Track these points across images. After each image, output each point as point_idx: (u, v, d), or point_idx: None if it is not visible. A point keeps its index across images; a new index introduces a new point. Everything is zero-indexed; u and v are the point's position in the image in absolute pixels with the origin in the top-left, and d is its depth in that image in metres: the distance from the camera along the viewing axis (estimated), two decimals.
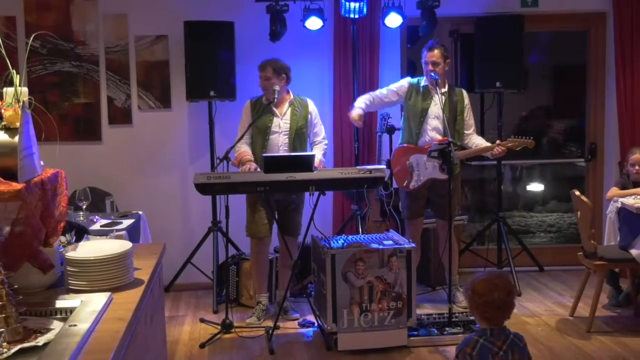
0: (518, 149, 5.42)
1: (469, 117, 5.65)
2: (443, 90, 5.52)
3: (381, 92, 5.71)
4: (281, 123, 5.39)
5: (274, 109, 5.40)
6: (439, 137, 5.47)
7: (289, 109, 5.43)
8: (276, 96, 5.27)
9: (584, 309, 5.48)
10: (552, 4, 6.65)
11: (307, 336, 5.22)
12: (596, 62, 6.91)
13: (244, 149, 5.36)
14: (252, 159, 5.31)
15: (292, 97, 5.47)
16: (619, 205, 5.34)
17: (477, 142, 5.57)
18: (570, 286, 6.28)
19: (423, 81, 5.61)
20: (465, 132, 5.62)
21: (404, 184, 5.63)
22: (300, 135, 5.44)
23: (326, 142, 5.62)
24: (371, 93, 5.72)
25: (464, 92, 5.70)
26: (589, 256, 5.27)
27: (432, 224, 5.99)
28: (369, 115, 6.35)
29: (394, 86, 5.70)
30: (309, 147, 5.55)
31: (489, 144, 5.50)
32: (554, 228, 7.93)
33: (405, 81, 5.69)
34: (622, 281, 5.80)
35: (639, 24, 6.49)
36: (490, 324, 2.94)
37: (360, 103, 5.65)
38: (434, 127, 5.54)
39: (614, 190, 5.56)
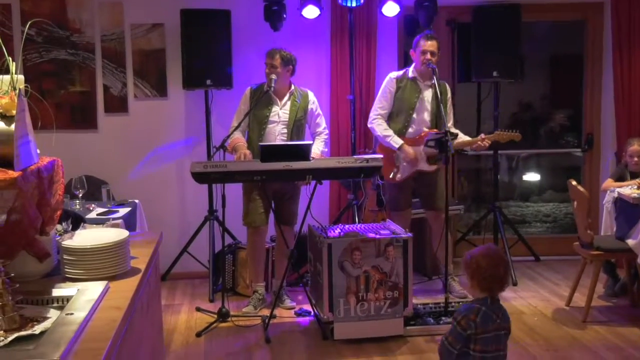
0: (504, 142, 5.43)
1: (450, 110, 5.65)
2: (430, 82, 5.50)
3: (382, 106, 5.60)
4: (280, 113, 5.38)
5: (275, 97, 5.38)
6: (426, 129, 5.47)
7: (290, 99, 5.42)
8: (273, 85, 5.26)
9: (580, 299, 5.50)
10: None
11: (303, 325, 5.22)
12: (593, 52, 6.90)
13: (237, 135, 5.34)
14: (245, 144, 5.30)
15: (293, 88, 5.46)
16: (616, 195, 5.35)
17: (460, 134, 5.52)
18: (566, 276, 6.29)
19: (411, 72, 5.58)
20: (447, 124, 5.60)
21: (390, 176, 5.61)
22: (298, 126, 5.43)
23: (327, 132, 5.62)
24: (378, 116, 5.58)
25: (447, 85, 5.68)
26: (586, 246, 5.28)
27: (423, 213, 5.98)
28: (365, 104, 6.34)
29: (384, 92, 5.60)
30: (310, 138, 5.54)
31: (469, 138, 5.50)
32: (550, 218, 7.94)
33: (391, 79, 5.61)
34: (618, 271, 5.82)
35: (636, 14, 6.47)
36: (490, 294, 3.16)
37: (389, 132, 5.52)
38: (422, 119, 5.53)
39: (608, 182, 5.57)
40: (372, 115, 5.64)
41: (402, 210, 5.73)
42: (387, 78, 5.64)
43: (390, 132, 5.53)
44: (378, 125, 5.58)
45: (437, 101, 5.43)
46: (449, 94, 5.66)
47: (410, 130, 5.55)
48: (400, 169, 5.57)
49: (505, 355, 3.20)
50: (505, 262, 3.21)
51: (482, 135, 5.42)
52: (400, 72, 5.64)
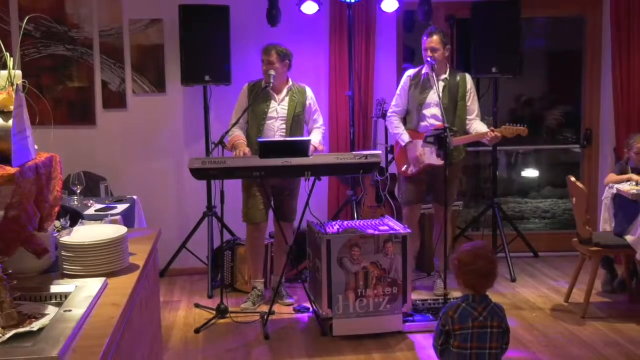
0: (511, 137, 5.39)
1: (472, 103, 5.56)
2: (443, 76, 5.49)
3: (396, 104, 5.64)
4: (278, 108, 5.37)
5: (273, 93, 5.37)
6: (437, 124, 5.45)
7: (287, 95, 5.40)
8: (272, 81, 5.24)
9: (578, 295, 5.50)
10: None
11: (302, 322, 5.22)
12: (592, 48, 6.89)
13: (237, 133, 5.34)
14: (245, 142, 5.29)
15: (290, 83, 5.44)
16: (615, 191, 5.35)
17: (477, 128, 5.49)
18: (564, 272, 6.30)
19: (424, 69, 5.56)
20: (468, 117, 5.53)
21: (403, 169, 5.62)
22: (297, 122, 5.42)
23: (324, 128, 5.61)
24: (392, 113, 5.64)
25: (467, 77, 5.59)
26: (584, 242, 5.28)
27: (428, 209, 5.98)
28: (364, 100, 6.34)
29: (400, 90, 5.65)
30: (306, 132, 5.53)
31: (486, 130, 5.47)
32: (549, 214, 7.95)
33: (406, 77, 5.64)
34: (616, 267, 5.82)
35: (634, 8, 6.46)
36: (474, 291, 3.16)
37: (399, 130, 5.57)
38: (432, 114, 5.50)
39: (611, 176, 5.54)
40: (388, 113, 5.72)
41: (412, 205, 5.70)
42: (404, 76, 5.68)
43: (400, 129, 5.58)
44: (390, 123, 5.68)
45: (454, 97, 5.44)
46: (469, 86, 5.56)
47: (422, 125, 5.53)
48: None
49: (496, 353, 3.15)
50: (486, 257, 3.18)
51: (492, 128, 5.40)
52: (416, 69, 5.63)
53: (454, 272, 3.26)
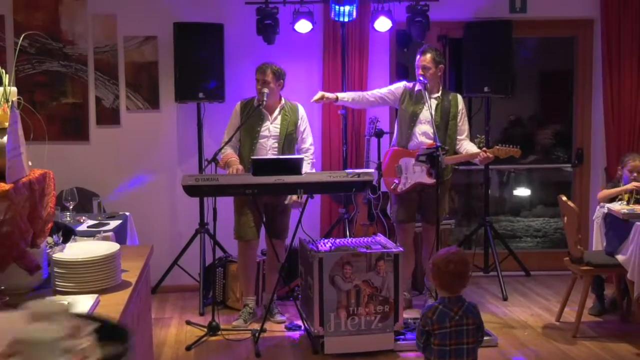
0: (504, 157, 5.41)
1: (462, 123, 5.59)
2: (436, 95, 5.52)
3: (379, 90, 5.70)
4: (271, 127, 5.38)
5: (265, 112, 5.38)
6: (428, 142, 5.46)
7: (280, 114, 5.42)
8: (265, 99, 5.25)
9: (570, 314, 5.51)
10: (540, 10, 6.67)
11: (294, 339, 5.21)
12: (583, 68, 6.94)
13: (229, 151, 5.34)
14: (238, 160, 5.30)
15: (283, 102, 5.46)
16: (606, 210, 5.37)
17: (468, 148, 5.51)
18: (556, 291, 6.30)
19: (417, 85, 5.58)
20: (458, 137, 5.56)
21: (392, 187, 5.63)
22: (290, 140, 5.42)
23: (312, 150, 5.56)
24: (367, 92, 5.74)
25: (459, 97, 5.63)
26: (576, 261, 5.30)
27: (420, 227, 5.99)
28: (357, 119, 6.36)
29: (392, 87, 5.69)
30: (296, 153, 5.53)
31: (478, 150, 5.48)
32: (540, 233, 7.97)
33: (402, 84, 5.66)
34: (608, 287, 5.83)
35: (625, 30, 6.52)
36: (449, 292, 3.42)
37: (345, 94, 5.68)
38: (423, 132, 5.52)
39: (604, 192, 5.52)
40: (367, 92, 5.78)
41: (403, 224, 5.69)
42: (401, 82, 5.71)
43: (347, 94, 5.71)
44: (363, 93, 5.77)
45: (446, 116, 5.46)
46: (460, 106, 5.59)
47: (412, 142, 5.54)
48: (402, 180, 5.56)
49: (472, 348, 3.40)
50: (458, 260, 3.42)
51: (484, 149, 5.41)
52: (411, 84, 5.66)
53: (431, 276, 3.53)
